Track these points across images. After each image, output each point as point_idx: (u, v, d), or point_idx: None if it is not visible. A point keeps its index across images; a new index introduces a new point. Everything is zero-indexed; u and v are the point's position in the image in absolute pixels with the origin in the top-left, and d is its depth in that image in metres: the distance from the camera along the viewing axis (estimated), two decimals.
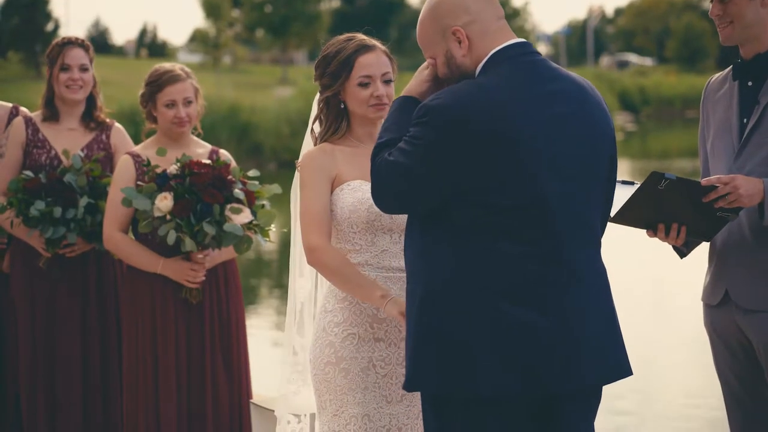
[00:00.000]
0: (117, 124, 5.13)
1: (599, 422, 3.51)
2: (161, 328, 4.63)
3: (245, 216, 4.45)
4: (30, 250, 4.92)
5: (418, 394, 3.46)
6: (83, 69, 5.00)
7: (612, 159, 3.09)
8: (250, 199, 4.52)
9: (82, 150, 4.96)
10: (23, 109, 5.14)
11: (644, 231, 3.51)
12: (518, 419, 2.98)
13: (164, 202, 4.42)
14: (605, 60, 72.94)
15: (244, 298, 4.90)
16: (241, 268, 5.04)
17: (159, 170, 4.54)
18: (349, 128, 3.62)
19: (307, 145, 3.77)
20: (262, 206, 4.56)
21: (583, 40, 77.11)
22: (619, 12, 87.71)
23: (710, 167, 3.66)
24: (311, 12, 50.91)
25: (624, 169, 22.65)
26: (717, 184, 3.34)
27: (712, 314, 3.69)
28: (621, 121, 41.94)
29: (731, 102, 3.62)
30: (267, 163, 24.76)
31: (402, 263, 3.44)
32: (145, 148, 4.76)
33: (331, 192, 3.52)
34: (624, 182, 3.48)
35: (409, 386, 3.02)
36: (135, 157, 4.71)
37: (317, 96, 3.68)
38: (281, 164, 24.29)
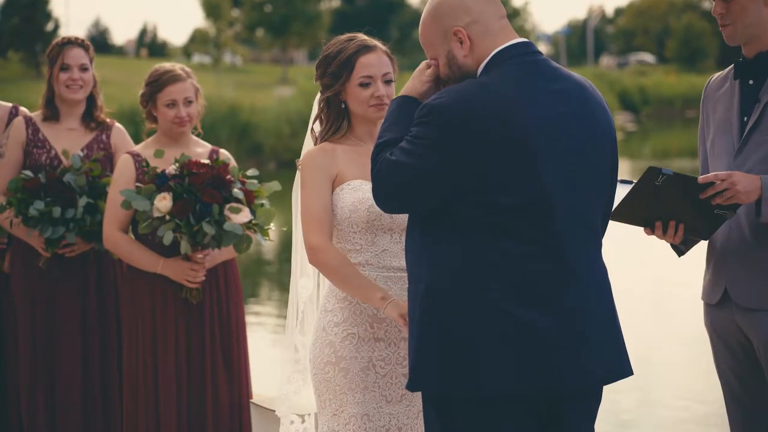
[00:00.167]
0: (117, 124, 5.12)
1: (599, 422, 3.51)
2: (161, 328, 4.62)
3: (244, 215, 4.45)
4: (30, 250, 4.92)
5: (417, 394, 3.46)
6: (83, 69, 5.00)
7: (613, 159, 3.09)
8: (249, 198, 4.52)
9: (82, 150, 4.95)
10: (23, 108, 5.14)
11: (642, 229, 3.51)
12: (519, 419, 2.97)
13: (163, 202, 4.41)
14: (608, 60, 72.85)
15: (244, 298, 4.91)
16: (241, 268, 5.04)
17: (158, 170, 4.54)
18: (349, 128, 3.62)
19: (308, 144, 3.77)
20: (261, 205, 4.56)
21: (583, 40, 77.08)
22: (619, 12, 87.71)
23: (710, 165, 3.65)
24: (311, 12, 50.93)
25: (624, 168, 22.63)
26: (714, 180, 3.33)
27: (711, 313, 3.68)
28: (621, 120, 41.94)
29: (732, 100, 3.62)
30: (267, 163, 24.77)
31: (402, 263, 3.44)
32: (146, 148, 4.76)
33: (332, 191, 3.52)
34: (623, 181, 3.47)
35: (411, 386, 3.02)
36: (135, 156, 4.71)
37: (318, 96, 3.68)
38: (281, 164, 24.30)
